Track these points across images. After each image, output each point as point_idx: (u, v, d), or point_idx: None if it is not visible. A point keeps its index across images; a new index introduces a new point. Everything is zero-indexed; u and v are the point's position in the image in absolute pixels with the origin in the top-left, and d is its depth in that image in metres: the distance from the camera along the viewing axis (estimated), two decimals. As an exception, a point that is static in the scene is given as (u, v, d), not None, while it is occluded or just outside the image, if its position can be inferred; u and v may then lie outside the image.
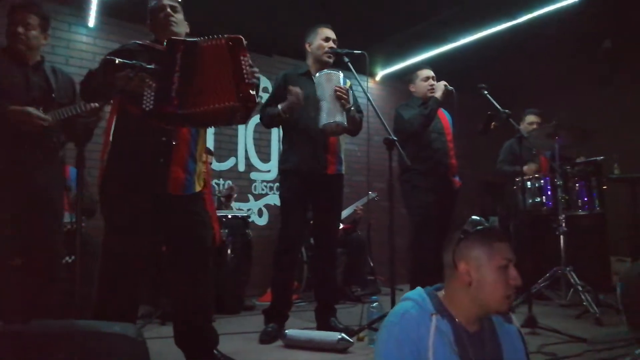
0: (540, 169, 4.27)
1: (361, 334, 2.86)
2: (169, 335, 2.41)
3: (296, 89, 2.84)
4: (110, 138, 2.24)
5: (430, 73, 3.62)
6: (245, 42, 2.04)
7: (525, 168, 3.84)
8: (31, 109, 2.46)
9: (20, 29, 2.56)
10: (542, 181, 3.92)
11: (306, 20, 3.25)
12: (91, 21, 4.30)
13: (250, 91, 2.01)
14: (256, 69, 2.09)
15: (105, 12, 4.28)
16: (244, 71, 2.01)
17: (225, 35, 2.04)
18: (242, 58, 2.02)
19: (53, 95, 2.63)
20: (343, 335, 2.67)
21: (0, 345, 1.24)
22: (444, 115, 3.61)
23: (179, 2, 2.38)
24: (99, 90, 2.18)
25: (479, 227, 1.36)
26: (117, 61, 2.01)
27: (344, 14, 4.31)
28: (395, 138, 2.67)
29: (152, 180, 2.19)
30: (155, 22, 2.33)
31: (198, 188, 2.33)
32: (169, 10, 2.29)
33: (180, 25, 2.34)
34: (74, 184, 3.13)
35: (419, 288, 1.42)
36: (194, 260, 2.30)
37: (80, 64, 4.12)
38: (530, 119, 4.48)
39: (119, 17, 4.36)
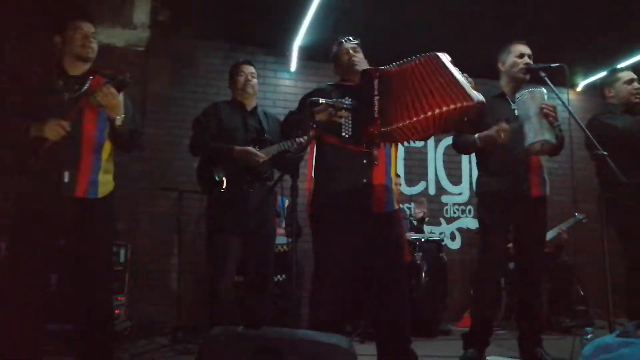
0: None
1: (574, 368, 2.62)
2: (368, 353, 2.53)
3: (504, 126, 2.68)
4: (312, 168, 2.53)
5: (634, 76, 3.21)
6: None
7: None
8: (250, 148, 2.96)
9: (249, 77, 3.12)
10: None
11: (492, 38, 3.19)
12: (292, 66, 4.89)
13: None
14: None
15: (304, 56, 4.83)
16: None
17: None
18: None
19: (265, 135, 3.09)
20: (553, 367, 2.49)
21: (243, 344, 1.51)
22: None
23: (357, 43, 2.61)
24: (296, 124, 2.53)
25: None
26: (320, 101, 2.30)
27: (533, 25, 4.10)
28: (605, 153, 2.43)
29: (357, 201, 2.37)
30: (341, 65, 2.59)
31: (396, 206, 2.48)
32: (352, 52, 2.56)
33: (362, 64, 2.55)
34: (281, 210, 3.60)
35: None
36: (391, 281, 2.41)
37: (284, 105, 4.67)
38: None
39: (315, 59, 4.85)
